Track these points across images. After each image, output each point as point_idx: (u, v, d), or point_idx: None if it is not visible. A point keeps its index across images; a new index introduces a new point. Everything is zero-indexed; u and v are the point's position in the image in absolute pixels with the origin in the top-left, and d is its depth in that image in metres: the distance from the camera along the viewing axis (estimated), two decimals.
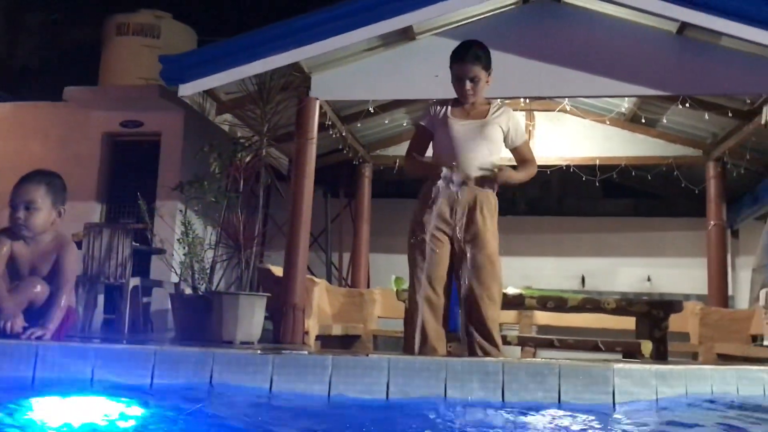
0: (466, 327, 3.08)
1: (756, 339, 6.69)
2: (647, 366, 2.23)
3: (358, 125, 7.52)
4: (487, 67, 3.24)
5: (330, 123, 6.70)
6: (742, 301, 8.21)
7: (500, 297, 3.17)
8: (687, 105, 6.25)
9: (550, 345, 5.64)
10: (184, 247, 5.07)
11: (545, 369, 2.13)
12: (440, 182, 3.10)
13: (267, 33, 5.40)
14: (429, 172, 3.22)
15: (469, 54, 3.21)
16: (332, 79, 5.84)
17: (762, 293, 5.95)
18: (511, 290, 5.11)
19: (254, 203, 5.30)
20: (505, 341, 4.52)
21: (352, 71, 5.84)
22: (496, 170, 3.17)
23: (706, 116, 6.55)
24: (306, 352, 2.17)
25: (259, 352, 2.13)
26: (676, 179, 8.01)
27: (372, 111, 6.91)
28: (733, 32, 5.00)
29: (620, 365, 2.19)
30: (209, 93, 6.23)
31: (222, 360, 2.13)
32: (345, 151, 7.77)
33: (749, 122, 6.41)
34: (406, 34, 5.68)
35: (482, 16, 5.70)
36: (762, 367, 2.68)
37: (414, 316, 3.10)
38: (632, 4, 5.20)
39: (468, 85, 3.21)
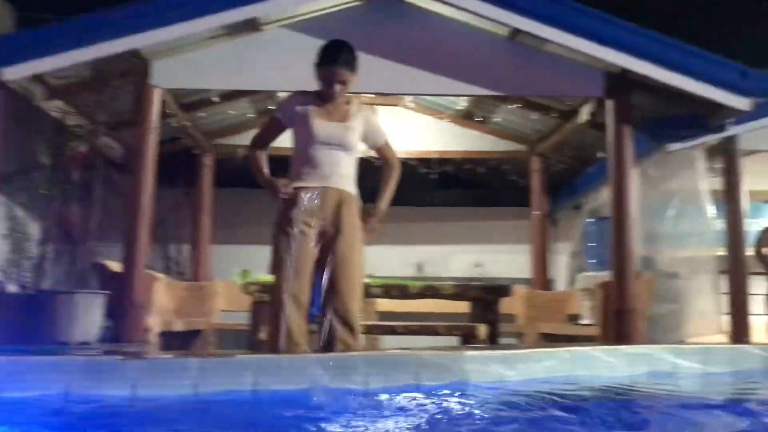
0: (330, 320, 3.15)
1: (572, 318, 7.41)
2: (496, 352, 2.43)
3: (200, 114, 7.32)
4: (356, 69, 3.32)
5: (169, 111, 6.46)
6: (561, 284, 9.01)
7: (362, 290, 3.29)
8: (517, 105, 6.74)
9: (394, 332, 5.89)
10: (9, 243, 4.70)
11: (405, 359, 2.26)
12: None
13: (104, 17, 5.10)
14: (266, 186, 3.24)
15: (341, 58, 3.27)
16: (174, 67, 5.64)
17: (578, 277, 6.58)
18: None
19: (89, 195, 5.02)
20: None
21: (195, 59, 5.68)
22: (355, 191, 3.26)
23: (532, 116, 7.11)
24: (170, 355, 2.14)
25: (120, 358, 2.07)
26: (504, 172, 8.61)
27: (215, 100, 6.75)
28: (558, 40, 5.46)
29: (471, 352, 2.38)
30: (37, 77, 5.77)
31: (77, 368, 2.04)
32: (184, 140, 7.52)
33: (569, 122, 7.03)
34: (252, 25, 5.61)
35: (329, 11, 5.76)
36: (599, 347, 3.00)
37: (278, 311, 3.12)
38: (468, 7, 5.49)
39: (337, 87, 3.27)
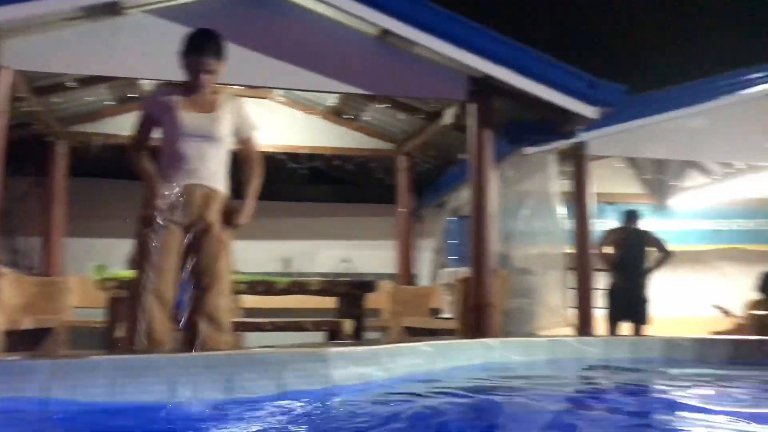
0: (195, 319, 3.08)
1: (434, 312, 7.67)
2: (363, 347, 2.48)
3: (55, 99, 6.87)
4: (224, 59, 3.24)
5: (20, 95, 6.02)
6: (425, 279, 9.29)
7: (230, 287, 3.24)
8: (385, 105, 6.87)
9: (260, 328, 5.84)
10: None
11: (268, 358, 2.26)
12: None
13: None
14: (151, 186, 3.12)
15: (208, 47, 3.17)
16: (27, 47, 5.25)
17: (440, 273, 6.82)
18: None
19: None
20: None
21: (51, 40, 5.32)
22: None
23: (400, 116, 7.28)
24: (17, 357, 2.01)
25: None
26: (372, 170, 8.75)
27: (71, 85, 6.37)
28: (425, 43, 5.62)
29: (336, 349, 2.42)
30: None
31: None
32: (36, 126, 7.02)
33: (434, 123, 7.27)
34: (113, 9, 5.34)
35: None
36: (463, 341, 3.14)
37: (140, 309, 3.00)
38: (338, 5, 5.54)
39: (203, 77, 3.18)
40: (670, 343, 3.46)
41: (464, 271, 6.35)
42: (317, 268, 9.76)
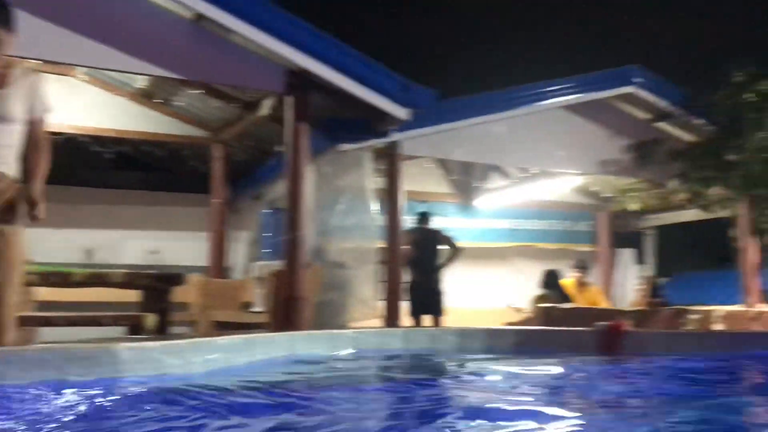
0: None
1: (248, 305, 7.57)
2: (154, 343, 2.39)
3: None
4: (12, 29, 2.93)
5: None
6: (238, 272, 9.14)
7: (21, 279, 2.95)
8: (199, 91, 6.65)
9: (50, 323, 5.41)
10: None
11: (49, 354, 2.11)
12: None
13: None
14: None
15: None
16: None
17: (254, 266, 6.75)
18: None
19: None
20: None
21: None
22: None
23: (215, 103, 7.08)
24: None
25: None
26: (185, 157, 8.44)
27: None
28: (240, 31, 5.50)
29: (126, 344, 2.30)
30: None
31: None
32: None
33: (251, 113, 7.16)
34: None
35: None
36: (250, 335, 3.11)
37: None
38: None
39: None
40: (463, 334, 3.69)
41: (277, 264, 6.34)
42: (124, 260, 9.23)
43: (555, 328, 4.47)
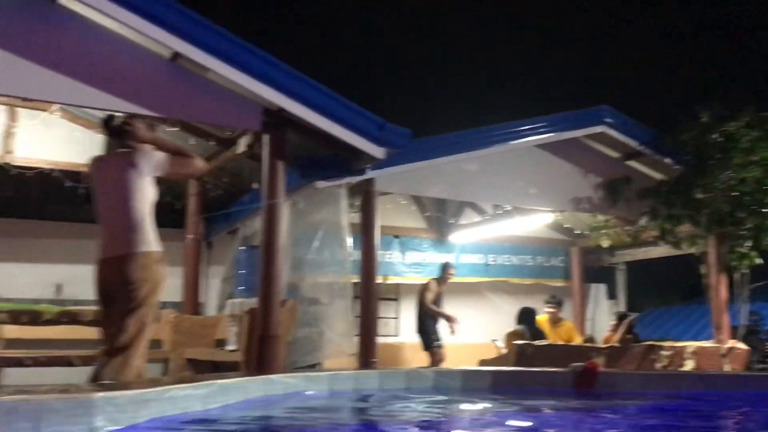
0: None
1: (222, 343, 7.48)
2: (130, 391, 2.36)
3: None
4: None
5: None
6: (212, 308, 9.05)
7: None
8: (175, 129, 6.66)
9: (21, 363, 5.30)
10: None
11: (22, 405, 2.08)
12: None
13: None
14: None
15: None
16: None
17: (228, 303, 6.69)
18: None
19: None
20: None
21: None
22: None
23: (191, 140, 7.09)
24: None
25: None
26: (159, 193, 8.39)
27: None
28: (218, 69, 5.52)
29: (102, 394, 2.27)
30: None
31: None
32: None
33: (228, 150, 7.17)
34: None
35: None
36: (233, 380, 3.09)
37: None
38: (123, 20, 5.23)
39: None
40: (439, 375, 3.70)
41: (252, 302, 6.30)
42: (92, 296, 9.09)
43: (530, 369, 4.50)
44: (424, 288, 8.62)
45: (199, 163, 4.13)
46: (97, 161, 4.14)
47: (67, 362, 5.07)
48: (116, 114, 4.31)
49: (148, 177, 3.88)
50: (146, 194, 3.86)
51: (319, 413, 3.22)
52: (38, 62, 5.22)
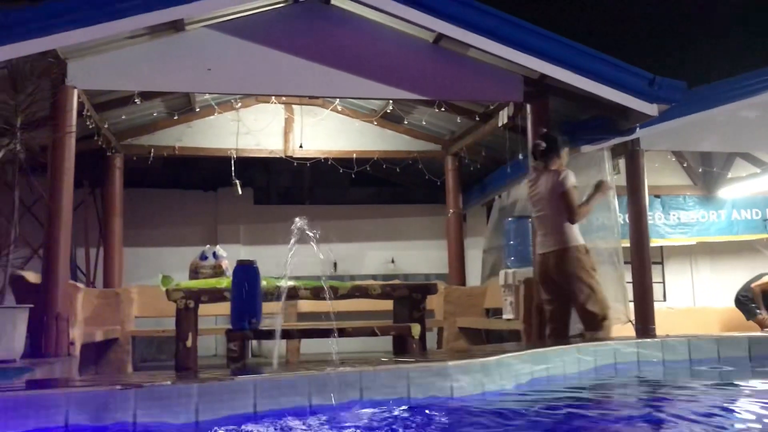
0: None
1: (489, 312, 7.69)
2: (477, 359, 2.54)
3: (112, 113, 7.02)
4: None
5: (84, 112, 6.16)
6: (472, 278, 9.31)
7: None
8: (440, 108, 6.93)
9: (326, 334, 5.88)
10: None
11: (397, 373, 2.33)
12: None
13: (19, 15, 4.79)
14: None
15: None
16: (91, 67, 5.37)
17: (501, 273, 6.83)
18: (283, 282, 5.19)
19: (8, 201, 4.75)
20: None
21: (113, 59, 5.43)
22: None
23: (453, 118, 7.33)
24: (169, 382, 2.09)
25: (119, 387, 2.00)
26: (419, 171, 8.81)
27: (135, 101, 6.51)
28: (480, 45, 5.63)
29: (455, 362, 2.48)
30: None
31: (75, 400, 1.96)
32: (97, 140, 7.15)
33: (485, 124, 7.29)
34: (175, 25, 5.45)
35: (254, 12, 5.68)
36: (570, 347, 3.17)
37: None
38: (394, 12, 5.55)
39: None
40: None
41: (524, 272, 6.38)
42: (364, 270, 9.84)
43: None
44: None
45: (579, 217, 5.10)
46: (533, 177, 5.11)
47: (371, 332, 5.51)
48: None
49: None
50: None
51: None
52: (316, 61, 5.71)
